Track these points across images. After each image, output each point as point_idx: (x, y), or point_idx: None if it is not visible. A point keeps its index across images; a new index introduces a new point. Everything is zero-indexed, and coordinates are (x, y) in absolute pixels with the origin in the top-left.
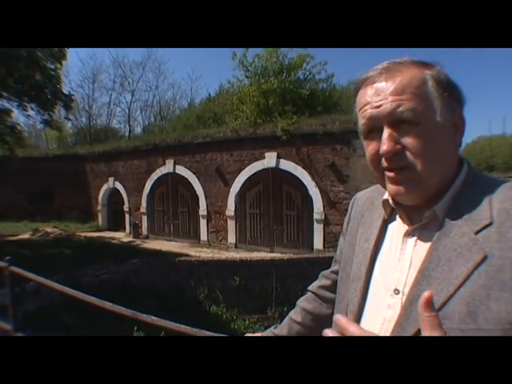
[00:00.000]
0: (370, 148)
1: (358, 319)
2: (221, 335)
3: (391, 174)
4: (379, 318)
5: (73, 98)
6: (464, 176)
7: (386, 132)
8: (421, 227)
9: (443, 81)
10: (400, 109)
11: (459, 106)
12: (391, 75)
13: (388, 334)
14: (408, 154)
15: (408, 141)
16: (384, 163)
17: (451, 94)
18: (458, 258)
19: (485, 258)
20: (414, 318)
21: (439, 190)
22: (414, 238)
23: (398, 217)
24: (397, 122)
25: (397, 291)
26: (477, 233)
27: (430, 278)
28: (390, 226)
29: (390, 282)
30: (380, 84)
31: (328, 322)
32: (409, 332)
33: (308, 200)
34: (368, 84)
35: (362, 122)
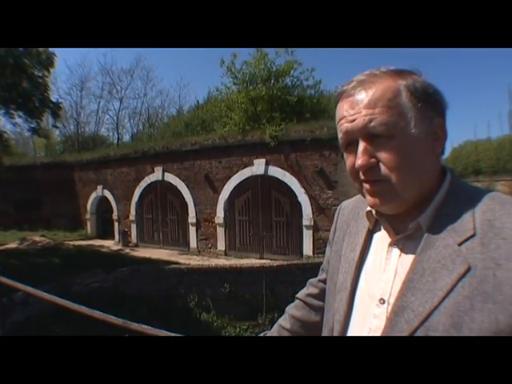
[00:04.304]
0: (348, 160)
1: (344, 329)
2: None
3: (367, 186)
4: (365, 327)
5: (61, 105)
6: (447, 185)
7: (361, 146)
8: (405, 237)
9: (418, 91)
10: (372, 123)
11: (438, 115)
12: (365, 88)
13: None
14: (383, 167)
15: (382, 154)
16: (361, 175)
17: (427, 103)
18: (442, 270)
19: (468, 270)
20: (399, 329)
21: (422, 199)
22: (399, 249)
23: (382, 227)
24: (371, 135)
25: (382, 301)
26: (460, 244)
27: (415, 289)
28: (375, 236)
29: (375, 292)
30: (354, 97)
31: (316, 329)
32: None
33: (297, 206)
34: (344, 97)
35: (339, 135)
